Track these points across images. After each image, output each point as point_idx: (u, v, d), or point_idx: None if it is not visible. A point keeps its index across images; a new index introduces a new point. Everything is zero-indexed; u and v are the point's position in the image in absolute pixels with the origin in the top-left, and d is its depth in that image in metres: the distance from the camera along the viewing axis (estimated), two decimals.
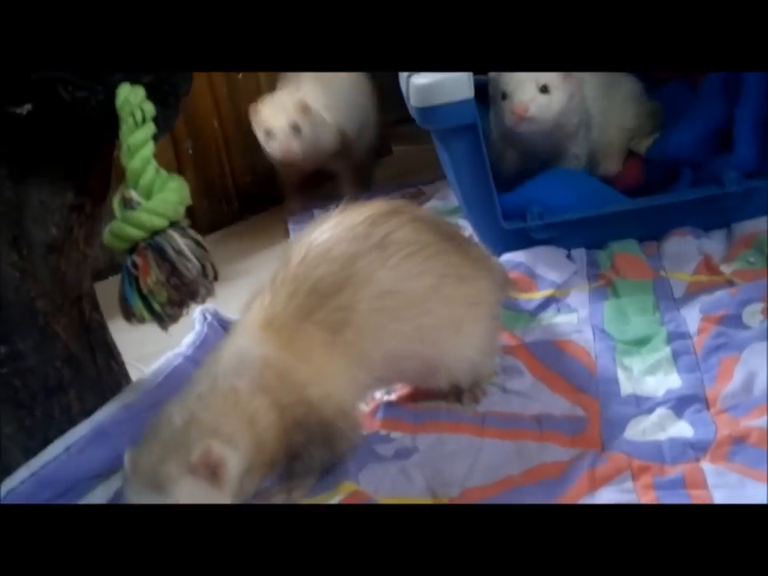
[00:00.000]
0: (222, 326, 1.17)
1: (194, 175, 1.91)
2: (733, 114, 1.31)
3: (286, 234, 1.83)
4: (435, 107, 1.25)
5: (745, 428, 0.82)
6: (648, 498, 0.77)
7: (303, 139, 1.65)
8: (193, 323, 1.14)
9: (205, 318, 1.15)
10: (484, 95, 1.55)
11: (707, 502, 0.75)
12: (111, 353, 1.04)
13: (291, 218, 1.88)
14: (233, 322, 1.17)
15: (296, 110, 1.64)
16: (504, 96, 1.33)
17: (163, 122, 0.86)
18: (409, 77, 1.32)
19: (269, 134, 1.66)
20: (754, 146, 1.28)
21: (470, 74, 1.24)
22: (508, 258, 1.30)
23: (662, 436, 0.86)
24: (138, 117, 0.80)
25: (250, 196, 2.04)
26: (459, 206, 1.53)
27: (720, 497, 0.75)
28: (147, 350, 1.23)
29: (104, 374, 1.01)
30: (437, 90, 1.24)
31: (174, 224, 0.83)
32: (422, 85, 1.26)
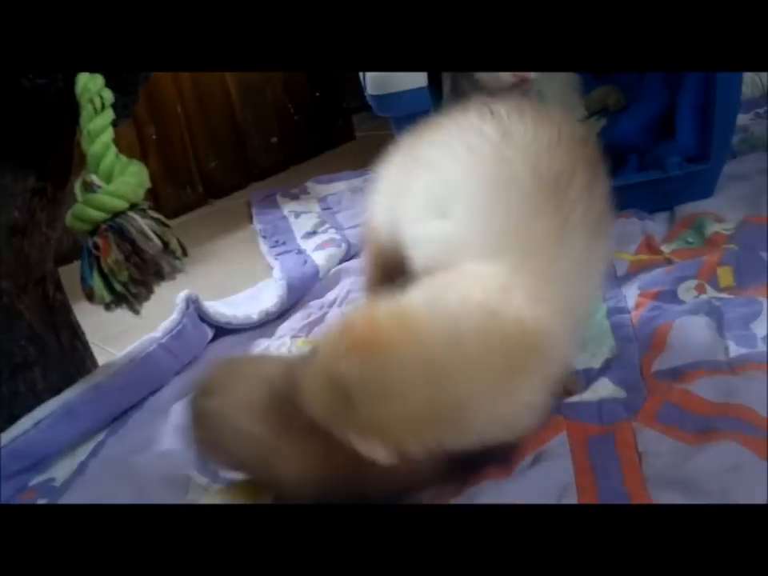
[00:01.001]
0: (201, 318, 1.21)
1: (158, 160, 1.95)
2: (675, 102, 1.36)
3: (250, 218, 1.87)
4: (390, 95, 1.29)
5: (672, 392, 0.88)
6: (581, 454, 0.83)
7: None
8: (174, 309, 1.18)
9: (186, 307, 1.18)
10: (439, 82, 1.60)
11: (634, 459, 0.81)
12: (75, 332, 1.08)
13: (254, 203, 1.92)
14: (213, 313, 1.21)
15: None
16: None
17: (122, 109, 0.89)
18: None
19: None
20: (695, 131, 1.33)
21: None
22: None
23: (597, 399, 0.92)
24: (98, 104, 0.84)
25: (213, 180, 2.07)
26: None
27: (649, 458, 0.81)
28: (114, 330, 1.28)
29: (68, 352, 1.05)
30: (392, 78, 1.28)
31: (134, 206, 0.87)
32: (377, 73, 1.30)
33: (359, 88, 1.51)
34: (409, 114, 1.30)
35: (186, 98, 1.99)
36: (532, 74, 1.28)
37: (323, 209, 1.81)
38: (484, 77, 1.32)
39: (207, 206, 2.05)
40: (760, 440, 0.78)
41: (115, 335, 1.28)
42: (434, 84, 1.50)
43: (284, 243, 1.62)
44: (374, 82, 1.31)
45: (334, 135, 2.36)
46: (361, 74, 1.40)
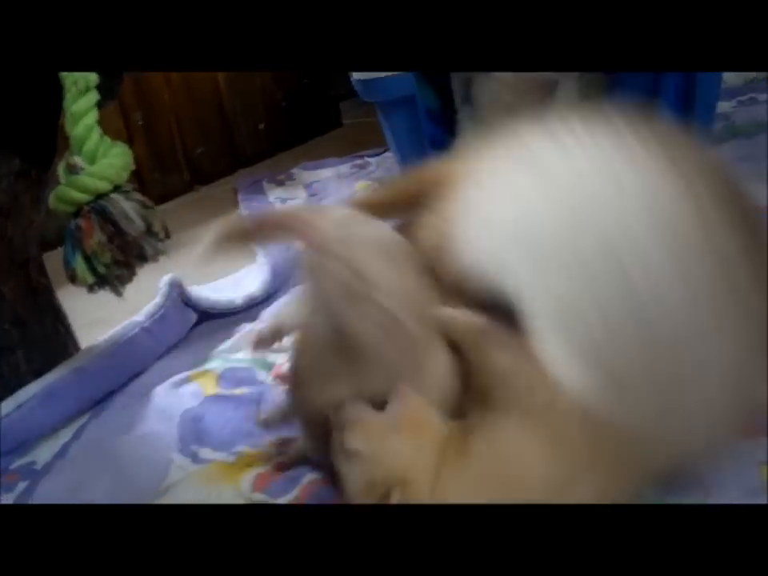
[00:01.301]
0: (185, 302, 1.21)
1: (145, 146, 1.95)
2: (658, 89, 1.38)
3: (236, 205, 1.88)
4: (375, 80, 1.31)
5: None
6: None
7: None
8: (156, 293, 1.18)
9: (169, 291, 1.18)
10: None
11: None
12: (57, 316, 1.08)
13: (241, 189, 1.93)
14: (197, 297, 1.22)
15: None
16: None
17: (107, 91, 0.89)
18: None
19: None
20: (677, 118, 1.34)
21: None
22: None
23: None
24: (81, 85, 0.84)
25: (200, 167, 2.08)
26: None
27: None
28: (97, 314, 1.28)
29: (51, 336, 1.05)
30: None
31: (118, 188, 0.87)
32: None
33: (346, 76, 1.52)
34: (393, 99, 1.33)
35: (174, 85, 1.99)
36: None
37: (309, 195, 1.82)
38: (508, 77, 1.33)
39: (194, 192, 2.06)
40: None
41: (98, 319, 1.28)
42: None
43: None
44: None
45: (322, 122, 2.37)
46: None
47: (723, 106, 1.73)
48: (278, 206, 1.76)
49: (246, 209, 1.78)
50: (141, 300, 1.15)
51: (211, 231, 0.83)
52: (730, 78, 1.87)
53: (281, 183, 1.92)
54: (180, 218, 1.84)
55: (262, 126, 2.22)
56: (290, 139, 2.29)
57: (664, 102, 1.35)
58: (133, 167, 0.89)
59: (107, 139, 0.87)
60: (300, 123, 2.31)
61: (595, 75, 1.61)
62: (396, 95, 1.31)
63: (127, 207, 0.86)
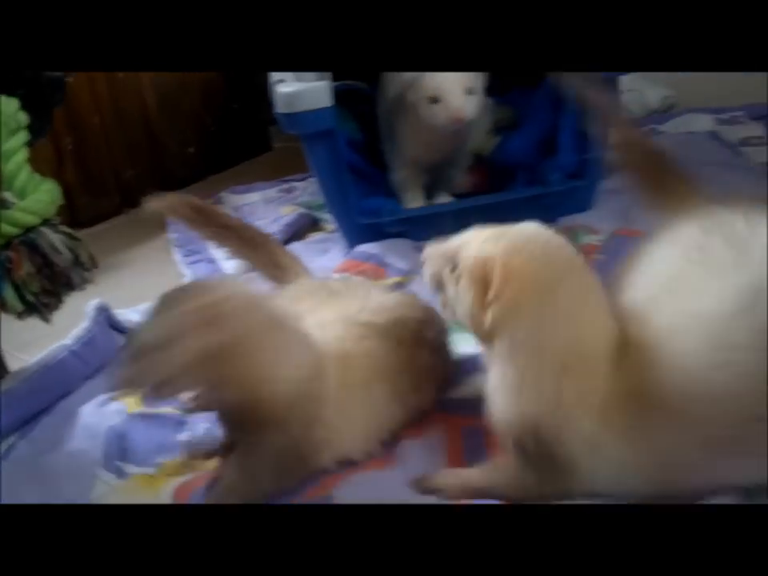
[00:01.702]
0: (111, 325, 1.26)
1: (75, 170, 1.98)
2: (557, 123, 1.49)
3: (165, 227, 1.92)
4: (297, 114, 1.37)
5: None
6: (455, 444, 0.93)
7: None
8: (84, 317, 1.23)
9: (97, 315, 1.23)
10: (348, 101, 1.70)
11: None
12: None
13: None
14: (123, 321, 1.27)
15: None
16: (434, 100, 1.40)
17: (36, 130, 0.96)
18: (275, 84, 1.44)
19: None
20: (574, 150, 1.46)
21: (330, 83, 1.36)
22: (362, 249, 1.44)
23: (474, 394, 1.02)
24: (12, 125, 0.90)
25: (130, 190, 2.12)
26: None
27: None
28: (26, 337, 1.32)
29: None
30: (298, 98, 1.36)
31: (46, 221, 0.93)
32: (285, 93, 1.37)
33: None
34: (314, 132, 1.40)
35: (103, 109, 2.03)
36: (469, 113, 1.39)
37: None
38: (426, 114, 1.42)
39: (123, 216, 2.10)
40: None
41: (27, 342, 1.32)
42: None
43: (197, 252, 1.68)
44: (283, 101, 1.38)
45: (251, 146, 2.43)
46: (272, 92, 1.47)
47: None
48: None
49: (174, 232, 1.83)
50: (70, 323, 1.20)
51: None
52: (634, 108, 2.00)
53: None
54: (110, 240, 1.89)
55: (191, 149, 2.28)
56: (219, 163, 2.34)
57: (564, 136, 1.47)
58: (61, 202, 0.95)
59: (36, 176, 0.94)
60: (229, 147, 2.37)
61: (507, 110, 1.73)
62: (316, 129, 1.38)
63: (55, 239, 0.92)
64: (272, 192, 2.01)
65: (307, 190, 1.95)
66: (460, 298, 0.80)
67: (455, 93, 1.38)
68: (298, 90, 1.37)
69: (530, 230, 0.81)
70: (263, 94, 2.30)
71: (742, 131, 1.81)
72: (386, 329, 0.95)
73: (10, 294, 0.93)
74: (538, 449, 0.77)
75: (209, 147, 2.32)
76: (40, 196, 0.92)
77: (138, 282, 1.64)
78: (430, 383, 0.99)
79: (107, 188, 2.07)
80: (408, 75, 1.43)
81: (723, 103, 1.96)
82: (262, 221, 1.79)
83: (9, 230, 0.91)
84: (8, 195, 0.91)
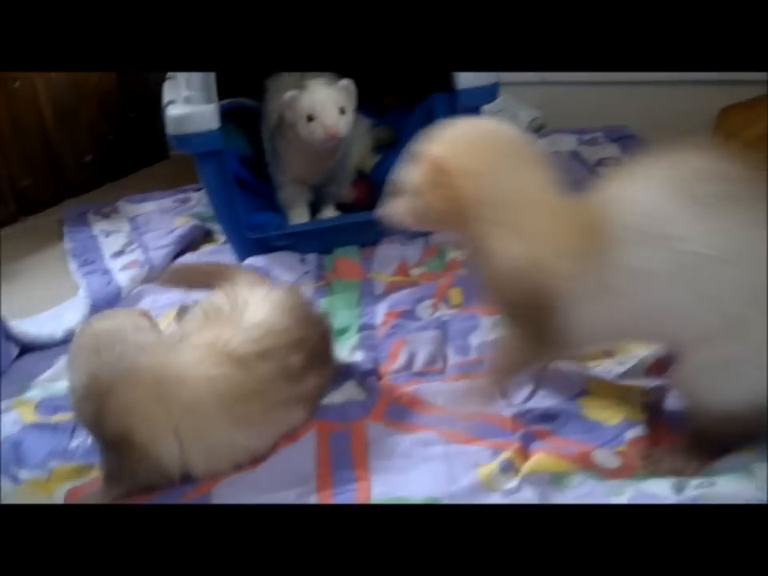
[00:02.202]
0: (7, 336, 1.34)
1: None
2: None
3: (62, 236, 1.98)
4: (186, 135, 1.47)
5: (399, 394, 1.13)
6: (323, 448, 1.05)
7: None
8: None
9: None
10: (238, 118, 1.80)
11: (364, 450, 1.04)
12: None
13: (66, 221, 2.03)
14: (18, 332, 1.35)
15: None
16: (311, 118, 1.52)
17: None
18: (165, 107, 1.54)
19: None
20: None
21: (216, 106, 1.47)
22: (250, 262, 1.55)
23: (342, 401, 1.15)
24: None
25: (26, 198, 2.16)
26: None
27: (374, 448, 1.04)
28: None
29: None
30: (187, 120, 1.46)
31: None
32: (174, 115, 1.48)
33: None
34: (202, 152, 1.50)
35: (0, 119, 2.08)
36: (342, 130, 1.52)
37: (132, 228, 1.94)
38: (303, 132, 1.54)
39: (19, 223, 2.14)
40: (459, 432, 1.04)
41: None
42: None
43: (92, 262, 1.75)
44: (172, 123, 1.48)
45: (148, 154, 2.50)
46: (163, 113, 1.56)
47: None
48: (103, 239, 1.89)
49: (71, 241, 1.90)
50: None
51: None
52: None
53: (106, 216, 2.04)
54: (5, 249, 1.92)
55: (88, 157, 2.33)
56: (116, 171, 2.40)
57: None
58: None
59: None
60: (126, 155, 2.43)
61: (386, 129, 1.87)
62: (204, 149, 1.48)
63: None
64: (168, 202, 2.07)
65: (202, 201, 2.01)
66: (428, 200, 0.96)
67: (329, 111, 1.52)
68: (186, 112, 1.47)
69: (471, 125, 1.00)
70: (159, 103, 2.39)
71: (601, 152, 1.97)
72: (247, 360, 1.03)
73: None
74: (527, 308, 0.94)
75: (106, 155, 2.37)
76: None
77: (34, 292, 1.69)
78: (302, 402, 1.09)
79: (3, 196, 2.11)
80: (287, 95, 1.55)
81: (585, 125, 2.13)
82: (156, 231, 1.87)
83: None
84: None
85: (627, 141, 2.01)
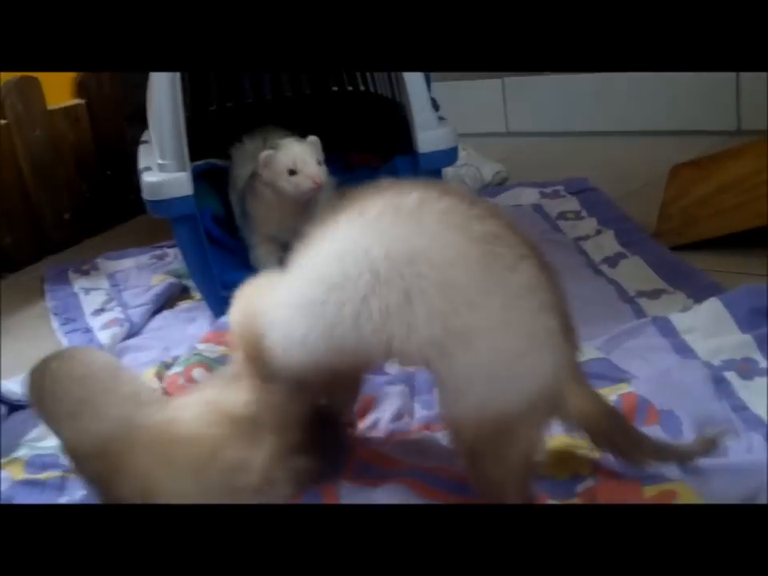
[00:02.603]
0: None
1: None
2: None
3: (41, 293, 2.05)
4: (161, 201, 1.55)
5: (367, 451, 1.19)
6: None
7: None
8: None
9: None
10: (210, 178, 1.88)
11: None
12: None
13: (47, 278, 2.10)
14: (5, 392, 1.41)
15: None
16: (293, 172, 1.63)
17: None
18: (141, 173, 1.61)
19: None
20: None
21: (189, 173, 1.55)
22: (225, 320, 1.61)
23: None
24: None
25: (7, 255, 2.23)
26: None
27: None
28: None
29: None
30: (162, 186, 1.54)
31: None
32: (149, 182, 1.55)
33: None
34: (177, 216, 1.57)
35: None
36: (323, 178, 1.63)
37: (112, 285, 2.01)
38: (287, 186, 1.63)
39: (1, 280, 2.20)
40: (421, 482, 1.10)
41: None
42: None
43: (74, 320, 1.82)
44: (147, 189, 1.56)
45: (124, 210, 2.57)
46: (139, 178, 1.64)
47: None
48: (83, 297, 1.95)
49: (52, 299, 1.96)
50: None
51: None
52: (470, 182, 2.26)
53: (85, 273, 2.10)
54: None
55: (67, 215, 2.41)
56: (94, 227, 2.48)
57: None
58: None
59: None
60: (103, 212, 2.51)
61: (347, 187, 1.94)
62: (179, 214, 1.55)
63: None
64: (145, 258, 2.15)
65: (177, 257, 2.09)
66: None
67: (309, 162, 1.63)
68: (161, 179, 1.55)
69: None
70: (135, 161, 2.47)
71: (561, 205, 2.05)
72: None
73: None
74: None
75: (83, 212, 2.45)
76: None
77: (18, 350, 1.75)
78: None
79: None
80: (263, 154, 1.64)
81: (547, 178, 2.23)
82: (135, 289, 1.94)
83: None
84: None
85: (587, 194, 2.09)
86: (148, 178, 1.56)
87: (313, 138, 1.68)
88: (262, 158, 1.65)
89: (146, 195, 1.57)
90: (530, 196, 2.15)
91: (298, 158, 1.63)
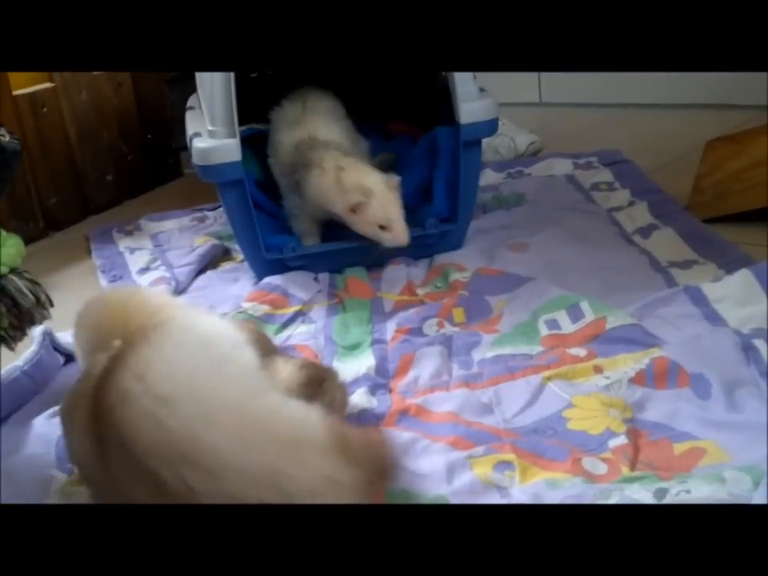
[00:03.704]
0: (55, 348, 1.47)
1: (3, 198, 2.15)
2: (432, 174, 1.76)
3: (88, 252, 2.12)
4: (211, 166, 1.61)
5: (408, 404, 1.26)
6: None
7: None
8: (32, 341, 1.43)
9: (43, 339, 1.44)
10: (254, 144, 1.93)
11: None
12: None
13: (92, 238, 2.17)
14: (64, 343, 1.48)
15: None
16: (383, 227, 1.60)
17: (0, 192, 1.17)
18: (190, 139, 1.67)
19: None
20: (446, 199, 1.73)
21: (238, 140, 1.60)
22: (268, 281, 1.68)
23: (357, 410, 1.27)
24: None
25: (53, 215, 2.31)
26: None
27: None
28: None
29: None
30: (212, 152, 1.60)
31: (13, 270, 1.16)
32: (200, 148, 1.61)
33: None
34: (226, 181, 1.63)
35: (29, 142, 2.21)
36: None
37: (155, 245, 2.08)
38: (374, 236, 1.61)
39: (48, 239, 2.28)
40: (461, 438, 1.17)
41: None
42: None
43: (121, 278, 1.89)
44: (198, 154, 1.62)
45: (164, 173, 2.64)
46: (189, 145, 1.70)
47: (495, 177, 2.16)
48: (128, 256, 2.02)
49: (99, 257, 2.03)
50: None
51: None
52: (504, 152, 2.30)
53: (129, 233, 2.17)
54: (36, 262, 2.05)
55: (110, 177, 2.48)
56: (135, 189, 2.55)
57: (437, 186, 1.75)
58: (24, 254, 1.17)
59: (4, 232, 1.15)
60: (145, 174, 2.58)
61: (388, 154, 2.00)
62: (227, 179, 1.61)
63: (21, 285, 1.15)
64: (186, 220, 2.21)
65: (218, 220, 2.16)
66: None
67: (400, 222, 1.61)
68: (211, 146, 1.60)
69: None
70: (174, 125, 2.53)
71: (594, 176, 2.08)
72: None
73: None
74: None
75: (125, 174, 2.52)
76: (8, 249, 1.14)
77: (67, 306, 1.81)
78: None
79: (33, 213, 2.26)
80: (352, 201, 1.60)
81: (581, 149, 2.26)
82: (179, 249, 2.00)
83: None
84: None
85: (621, 165, 2.12)
86: (198, 144, 1.62)
87: (396, 181, 1.65)
88: (352, 203, 1.61)
89: (196, 160, 1.63)
90: (563, 167, 2.18)
91: (391, 215, 1.60)
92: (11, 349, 1.20)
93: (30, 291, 1.17)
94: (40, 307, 1.18)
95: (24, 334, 1.19)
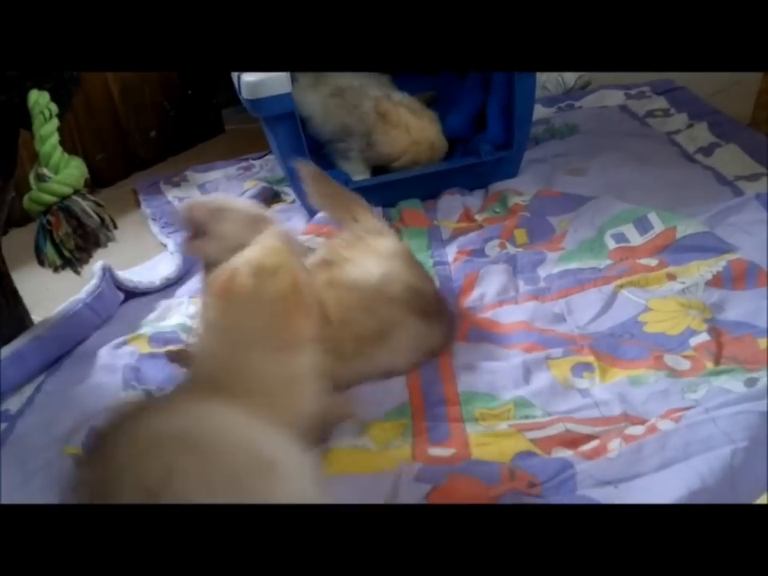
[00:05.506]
0: (114, 284, 1.48)
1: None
2: (486, 101, 1.73)
3: (136, 204, 2.12)
4: (261, 99, 1.58)
5: (477, 319, 1.24)
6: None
7: None
8: (91, 276, 1.44)
9: (103, 274, 1.44)
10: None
11: (449, 368, 1.14)
12: (16, 296, 1.33)
13: (140, 190, 2.17)
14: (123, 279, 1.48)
15: None
16: None
17: (61, 116, 1.16)
18: (240, 73, 1.65)
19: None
20: (501, 125, 1.70)
21: (288, 72, 1.58)
22: (321, 215, 1.66)
23: None
24: (47, 114, 1.10)
25: (100, 171, 2.30)
26: (284, 176, 1.88)
27: (461, 360, 1.15)
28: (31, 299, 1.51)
29: (13, 311, 1.31)
30: (261, 86, 1.57)
31: (77, 191, 1.14)
32: (250, 81, 1.58)
33: (227, 86, 1.77)
34: (276, 114, 1.61)
35: (77, 104, 2.21)
36: None
37: (203, 194, 2.07)
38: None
39: (95, 194, 2.27)
40: (535, 344, 1.14)
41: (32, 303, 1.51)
42: None
43: (172, 224, 1.88)
44: (248, 88, 1.59)
45: (206, 128, 2.63)
46: (235, 81, 1.67)
47: (545, 112, 2.11)
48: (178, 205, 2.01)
49: (148, 207, 2.03)
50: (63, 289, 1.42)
51: None
52: (553, 88, 2.26)
53: (176, 184, 2.16)
54: None
55: (153, 133, 2.47)
56: (178, 145, 2.54)
57: (491, 112, 1.71)
58: (87, 175, 1.16)
59: (66, 155, 1.14)
60: (187, 130, 2.57)
61: (429, 92, 1.96)
62: (278, 112, 1.59)
63: (85, 206, 1.14)
64: (232, 170, 2.20)
65: (265, 167, 2.15)
66: None
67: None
68: (260, 78, 1.57)
69: None
70: (216, 81, 2.52)
71: (648, 105, 2.04)
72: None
73: (50, 251, 1.13)
74: None
75: (168, 131, 2.51)
76: (71, 171, 1.13)
77: (122, 251, 1.81)
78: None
79: None
80: None
81: (632, 81, 2.21)
82: (228, 194, 2.00)
83: (48, 198, 1.11)
84: (45, 171, 1.11)
85: (675, 93, 2.07)
86: (247, 78, 1.59)
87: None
88: None
89: (245, 95, 1.60)
90: (615, 98, 2.14)
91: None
92: (77, 272, 1.18)
93: (95, 212, 1.15)
94: (105, 228, 1.16)
95: (90, 256, 1.17)
